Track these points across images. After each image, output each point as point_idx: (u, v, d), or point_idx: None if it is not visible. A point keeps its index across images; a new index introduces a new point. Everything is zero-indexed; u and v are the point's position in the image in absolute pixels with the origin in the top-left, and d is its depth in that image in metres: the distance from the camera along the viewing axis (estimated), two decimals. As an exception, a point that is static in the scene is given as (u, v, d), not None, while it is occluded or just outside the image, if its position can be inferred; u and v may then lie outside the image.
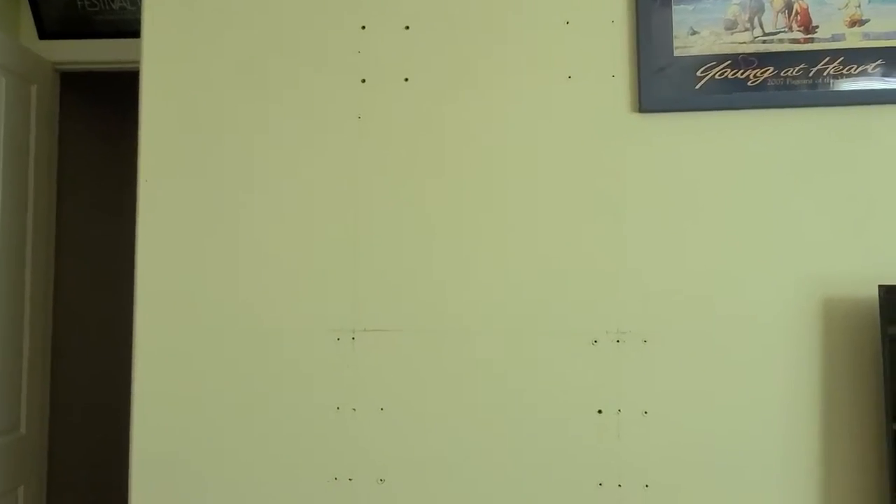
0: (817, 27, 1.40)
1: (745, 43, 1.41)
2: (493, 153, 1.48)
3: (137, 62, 2.01)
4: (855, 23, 1.39)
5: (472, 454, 1.46)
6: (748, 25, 1.42)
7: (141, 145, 1.56)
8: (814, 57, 1.39)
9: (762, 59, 1.40)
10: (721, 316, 1.41)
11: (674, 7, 1.43)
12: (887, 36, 1.38)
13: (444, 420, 1.46)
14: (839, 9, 1.40)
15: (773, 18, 1.41)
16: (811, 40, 1.40)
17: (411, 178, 1.49)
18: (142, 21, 1.58)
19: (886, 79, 1.37)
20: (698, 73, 1.41)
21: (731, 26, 1.42)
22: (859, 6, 1.39)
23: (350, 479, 1.48)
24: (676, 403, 1.41)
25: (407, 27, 1.52)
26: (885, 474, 1.34)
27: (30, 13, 2.52)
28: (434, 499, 1.46)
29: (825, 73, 1.39)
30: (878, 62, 1.38)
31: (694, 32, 1.42)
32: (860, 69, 1.38)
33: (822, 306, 1.39)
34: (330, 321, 1.49)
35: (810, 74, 1.39)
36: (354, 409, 1.48)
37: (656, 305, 1.43)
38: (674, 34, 1.42)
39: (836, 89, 1.38)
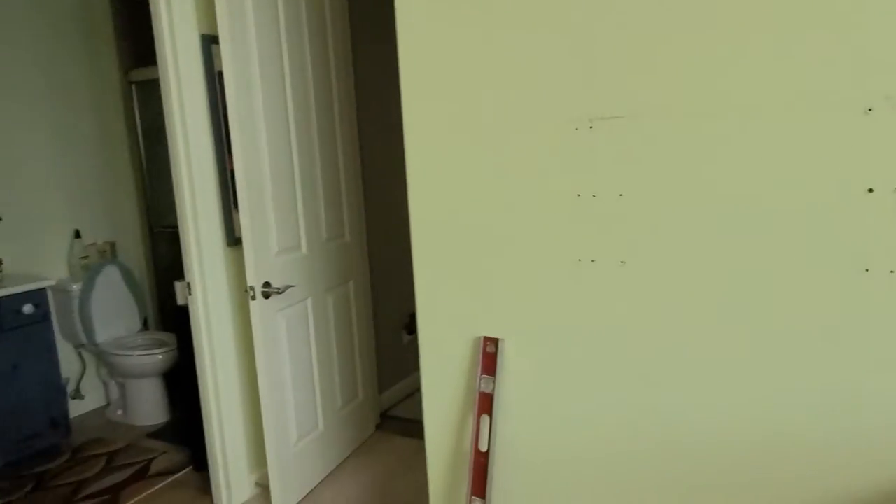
0: None
1: None
2: None
3: None
4: None
5: (716, 235, 1.43)
6: None
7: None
8: None
9: None
10: None
11: None
12: None
13: (685, 202, 1.45)
14: None
15: None
16: None
17: (649, -51, 1.40)
18: None
19: None
20: None
21: None
22: None
23: (592, 261, 1.58)
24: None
25: None
26: None
27: None
28: (675, 280, 1.49)
29: None
30: None
31: None
32: None
33: None
34: (568, 111, 1.54)
35: None
36: (594, 196, 1.55)
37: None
38: None
39: None
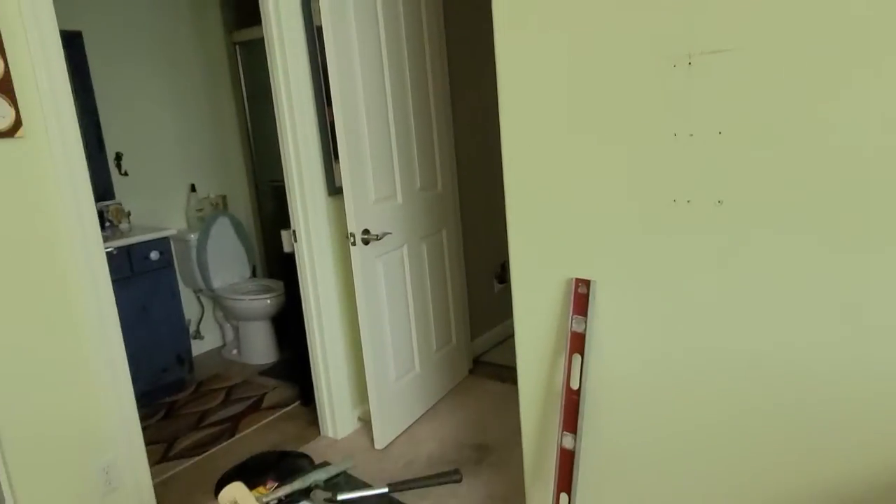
0: None
1: None
2: None
3: None
4: None
5: (822, 176, 1.38)
6: None
7: None
8: None
9: None
10: None
11: None
12: None
13: (783, 140, 1.40)
14: None
15: None
16: None
17: None
18: None
19: None
20: None
21: None
22: None
23: (688, 202, 1.57)
24: None
25: None
26: None
27: None
28: (774, 220, 1.46)
29: None
30: None
31: None
32: None
33: None
34: (665, 46, 1.51)
35: None
36: (691, 135, 1.52)
37: None
38: None
39: None
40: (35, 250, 1.88)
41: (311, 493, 1.37)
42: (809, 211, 1.42)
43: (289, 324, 3.09)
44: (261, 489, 1.41)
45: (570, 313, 1.80)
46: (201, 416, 3.22)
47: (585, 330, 1.77)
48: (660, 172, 1.59)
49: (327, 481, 1.42)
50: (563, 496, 1.86)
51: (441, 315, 3.12)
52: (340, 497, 1.35)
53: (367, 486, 1.40)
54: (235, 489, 1.33)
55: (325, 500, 1.34)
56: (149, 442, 3.00)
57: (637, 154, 1.61)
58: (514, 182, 1.84)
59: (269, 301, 3.66)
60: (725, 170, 1.50)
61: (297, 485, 1.40)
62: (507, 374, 3.32)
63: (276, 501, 1.36)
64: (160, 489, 2.57)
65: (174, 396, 3.47)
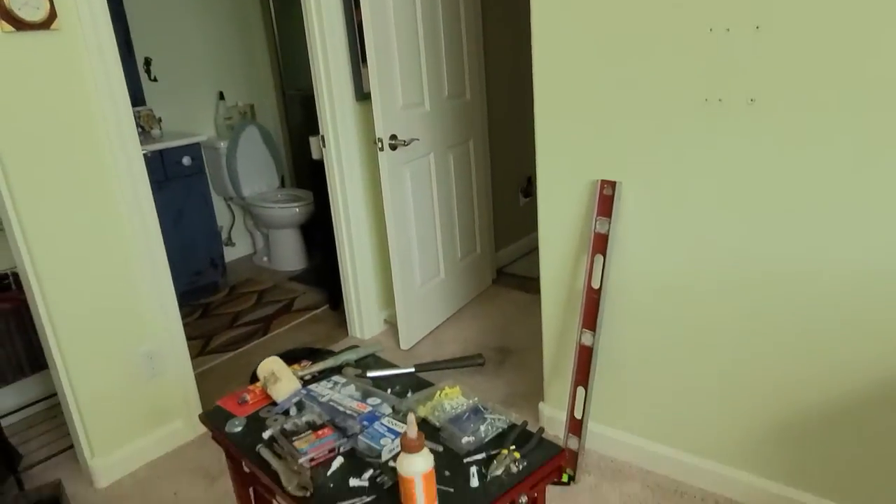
0: None
1: None
2: None
3: None
4: None
5: (856, 74, 1.36)
6: None
7: None
8: None
9: None
10: None
11: None
12: None
13: (824, 35, 1.37)
14: None
15: None
16: None
17: None
18: None
19: None
20: None
21: None
22: None
23: (720, 100, 1.56)
24: None
25: None
26: None
27: None
28: (806, 121, 1.45)
29: None
30: None
31: None
32: None
33: None
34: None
35: None
36: (728, 30, 1.49)
37: None
38: None
39: None
40: (80, 147, 1.94)
41: (343, 370, 1.46)
42: (846, 112, 1.40)
43: (317, 232, 3.17)
44: (295, 366, 1.51)
45: (595, 215, 1.82)
46: (235, 317, 3.37)
47: (609, 231, 1.80)
48: (692, 70, 1.57)
49: (357, 361, 1.51)
50: (580, 390, 1.95)
51: (466, 224, 3.17)
52: (370, 374, 1.44)
53: (394, 366, 1.50)
54: (273, 362, 1.42)
55: (356, 375, 1.43)
56: (188, 338, 3.14)
57: (670, 50, 1.59)
58: (543, 83, 1.83)
59: (297, 210, 3.73)
60: (760, 67, 1.47)
61: (330, 363, 1.49)
62: (529, 284, 3.39)
63: (310, 375, 1.46)
64: (199, 379, 2.73)
65: (209, 298, 3.62)
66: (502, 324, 3.02)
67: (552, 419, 2.18)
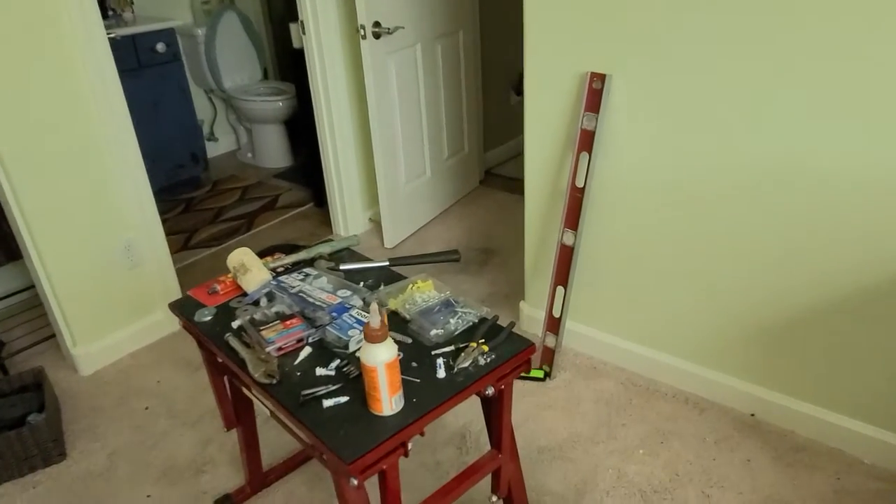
0: None
1: None
2: None
3: None
4: None
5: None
6: None
7: None
8: None
9: None
10: None
11: None
12: None
13: None
14: None
15: None
16: None
17: None
18: None
19: None
20: None
21: None
22: None
23: (721, -15, 1.45)
24: None
25: None
26: None
27: None
28: (795, 8, 1.35)
29: None
30: None
31: None
32: None
33: None
34: None
35: None
36: None
37: None
38: None
39: None
40: (40, 25, 1.81)
41: (315, 263, 1.43)
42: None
43: (303, 128, 3.06)
44: (266, 259, 1.48)
45: (582, 110, 1.75)
46: (218, 213, 3.32)
47: (595, 127, 1.73)
48: (694, -50, 1.45)
49: (331, 254, 1.48)
50: (560, 289, 1.95)
51: (454, 122, 3.07)
52: (343, 267, 1.42)
53: (368, 259, 1.47)
54: (243, 253, 1.39)
55: (328, 268, 1.40)
56: (169, 232, 3.12)
57: (671, -73, 1.45)
58: (534, -38, 1.70)
59: (280, 104, 3.60)
60: (767, -54, 1.35)
61: (303, 255, 1.46)
62: (517, 185, 3.33)
63: (282, 268, 1.44)
64: (181, 273, 2.72)
65: (191, 193, 3.55)
66: (487, 224, 2.99)
67: (531, 318, 2.19)
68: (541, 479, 1.66)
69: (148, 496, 1.70)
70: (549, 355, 2.02)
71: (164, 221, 3.17)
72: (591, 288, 2.00)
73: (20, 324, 2.40)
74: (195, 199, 3.50)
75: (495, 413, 1.22)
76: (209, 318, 1.29)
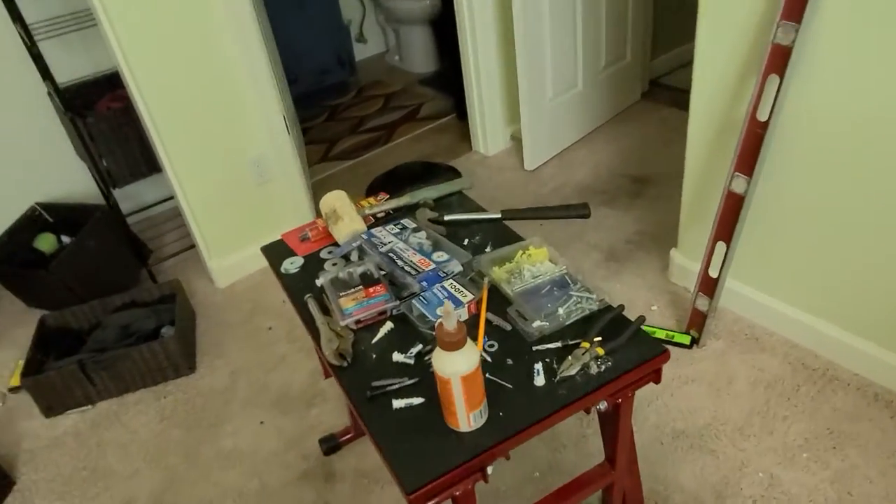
0: None
1: None
2: None
3: None
4: None
5: None
6: None
7: None
8: None
9: None
10: None
11: None
12: None
13: None
14: None
15: None
16: None
17: None
18: None
19: None
20: None
21: None
22: None
23: None
24: None
25: None
26: None
27: None
28: None
29: None
30: None
31: None
32: None
33: None
34: None
35: None
36: None
37: None
38: None
39: None
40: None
41: (417, 211, 1.24)
42: None
43: (447, 31, 2.80)
44: (371, 199, 1.32)
45: (778, 17, 1.32)
46: (360, 122, 3.23)
47: (794, 42, 1.30)
48: None
49: (438, 200, 1.28)
50: (721, 244, 1.60)
51: (616, 26, 2.62)
52: (448, 217, 1.22)
53: (480, 209, 1.25)
54: (336, 198, 1.24)
55: (430, 219, 1.21)
56: (310, 142, 3.10)
57: None
58: None
59: (427, 2, 3.33)
60: None
61: (406, 199, 1.28)
62: (687, 100, 2.83)
63: (382, 213, 1.27)
64: (318, 187, 2.69)
65: (337, 100, 3.48)
66: (645, 148, 2.59)
67: (684, 269, 1.87)
68: (671, 470, 1.42)
69: (262, 423, 1.71)
70: (698, 318, 1.70)
71: (306, 130, 3.17)
72: (761, 243, 1.63)
73: (170, 230, 2.52)
74: (340, 105, 3.42)
75: (610, 424, 0.99)
76: (296, 269, 1.17)
